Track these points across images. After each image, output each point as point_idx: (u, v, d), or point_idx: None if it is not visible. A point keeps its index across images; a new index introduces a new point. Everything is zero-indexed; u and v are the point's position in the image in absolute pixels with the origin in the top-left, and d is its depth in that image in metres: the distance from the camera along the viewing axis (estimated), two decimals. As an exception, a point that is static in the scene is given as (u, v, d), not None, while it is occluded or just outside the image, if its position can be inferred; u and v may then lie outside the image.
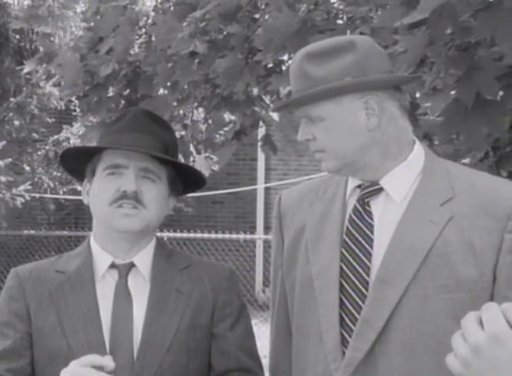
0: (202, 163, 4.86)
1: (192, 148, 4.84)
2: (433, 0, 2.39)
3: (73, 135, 12.03)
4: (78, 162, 2.31)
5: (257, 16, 3.85)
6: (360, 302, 1.99)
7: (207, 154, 4.88)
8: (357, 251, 2.02)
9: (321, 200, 2.14)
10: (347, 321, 1.99)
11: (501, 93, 2.92)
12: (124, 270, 2.24)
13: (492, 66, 2.77)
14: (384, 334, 1.95)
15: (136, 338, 2.16)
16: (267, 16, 3.70)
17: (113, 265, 2.25)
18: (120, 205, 2.19)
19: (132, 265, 2.25)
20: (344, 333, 1.99)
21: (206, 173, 4.92)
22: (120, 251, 2.25)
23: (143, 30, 4.44)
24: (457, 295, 1.93)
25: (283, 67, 3.93)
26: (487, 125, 2.85)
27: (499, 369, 1.18)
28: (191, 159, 4.84)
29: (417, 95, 3.64)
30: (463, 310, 1.76)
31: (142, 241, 2.27)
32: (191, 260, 2.32)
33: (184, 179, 2.33)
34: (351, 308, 1.99)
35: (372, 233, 2.02)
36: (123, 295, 2.21)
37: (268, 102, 4.54)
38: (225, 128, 4.65)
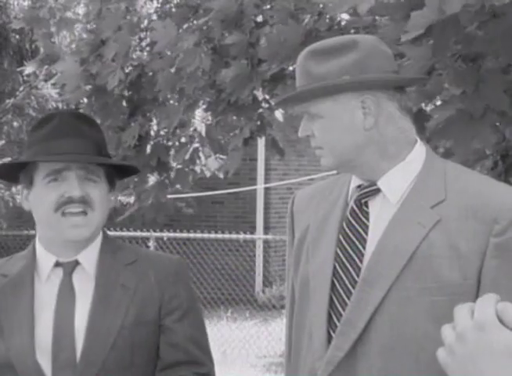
0: (214, 165, 4.86)
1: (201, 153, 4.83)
2: (423, 17, 2.41)
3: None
4: (10, 170, 2.34)
5: (259, 19, 3.84)
6: (348, 302, 1.99)
7: (216, 156, 4.88)
8: (350, 251, 2.03)
9: (327, 201, 2.14)
10: (335, 320, 2.00)
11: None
12: (69, 268, 2.23)
13: (500, 80, 2.77)
14: (364, 335, 1.96)
15: (79, 336, 2.17)
16: (271, 22, 3.69)
17: (57, 264, 2.24)
18: (64, 212, 2.18)
19: (77, 262, 2.24)
20: (331, 332, 2.00)
21: (220, 174, 4.95)
22: (66, 251, 2.24)
23: (145, 32, 4.43)
24: (439, 298, 1.92)
25: (288, 81, 3.92)
26: (477, 138, 2.87)
27: (478, 355, 1.18)
28: (197, 162, 4.85)
29: (427, 107, 3.62)
30: (444, 314, 1.77)
31: (88, 241, 2.26)
32: (138, 254, 2.31)
33: (118, 172, 2.35)
34: (339, 307, 2.00)
35: (366, 233, 2.02)
36: (66, 293, 2.22)
37: (273, 104, 4.54)
38: (232, 134, 4.65)
